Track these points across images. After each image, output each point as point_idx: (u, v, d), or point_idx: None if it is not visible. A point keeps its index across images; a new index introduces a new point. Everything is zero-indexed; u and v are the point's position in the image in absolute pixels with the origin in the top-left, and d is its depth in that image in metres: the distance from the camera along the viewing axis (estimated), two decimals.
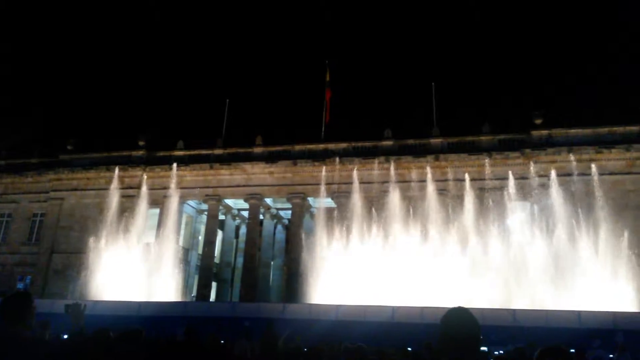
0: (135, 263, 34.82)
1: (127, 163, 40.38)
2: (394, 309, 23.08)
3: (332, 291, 30.64)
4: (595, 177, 31.36)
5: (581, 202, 30.94)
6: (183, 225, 40.83)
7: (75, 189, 40.89)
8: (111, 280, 33.53)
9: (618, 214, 30.58)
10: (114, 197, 39.49)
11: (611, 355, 14.07)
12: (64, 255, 38.75)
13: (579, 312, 23.47)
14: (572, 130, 33.25)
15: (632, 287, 26.60)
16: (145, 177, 39.97)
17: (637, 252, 28.70)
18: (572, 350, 11.12)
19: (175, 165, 39.42)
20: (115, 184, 39.81)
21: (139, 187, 39.72)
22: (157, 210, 39.28)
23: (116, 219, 38.53)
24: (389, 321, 21.22)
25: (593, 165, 31.72)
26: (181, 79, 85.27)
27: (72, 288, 35.17)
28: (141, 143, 41.33)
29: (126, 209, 39.05)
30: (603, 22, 70.46)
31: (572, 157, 32.21)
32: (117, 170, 39.88)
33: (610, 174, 31.48)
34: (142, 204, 39.54)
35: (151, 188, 39.76)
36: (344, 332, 17.27)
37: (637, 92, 62.17)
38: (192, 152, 40.59)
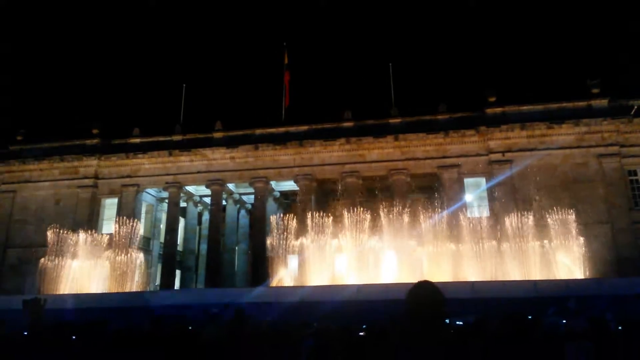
0: (95, 254, 34.05)
1: (82, 152, 39.10)
2: (359, 287, 23.50)
3: (297, 273, 30.91)
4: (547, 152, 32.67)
5: (534, 177, 32.17)
6: (143, 214, 40.05)
7: (28, 181, 39.39)
8: (70, 273, 32.74)
9: (569, 186, 32.00)
10: (69, 188, 38.37)
11: (564, 321, 14.82)
12: (20, 249, 37.44)
13: (534, 282, 24.56)
14: (525, 107, 34.30)
15: (581, 255, 27.94)
16: (100, 166, 38.94)
17: (587, 222, 30.16)
18: (529, 318, 11.64)
19: (132, 153, 38.60)
20: (69, 174, 38.65)
21: (95, 176, 38.69)
22: (116, 200, 38.40)
23: (73, 210, 37.46)
24: (354, 299, 21.59)
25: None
26: (135, 65, 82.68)
27: (30, 283, 34.14)
28: (95, 131, 40.08)
29: (83, 199, 38.02)
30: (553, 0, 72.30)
31: (524, 133, 33.31)
32: (71, 159, 38.70)
33: (561, 148, 32.75)
34: (99, 194, 38.60)
35: (108, 177, 38.87)
36: (311, 312, 17.50)
37: (586, 67, 64.52)
38: (150, 139, 39.68)
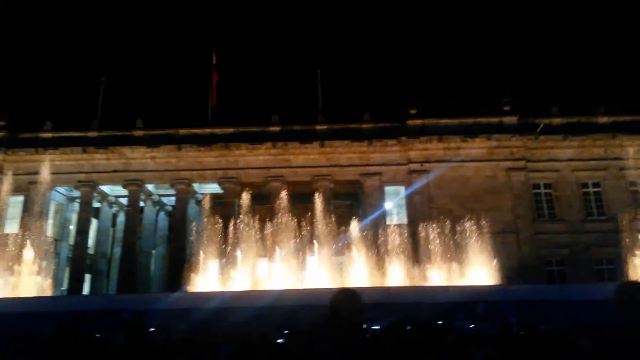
0: None
1: None
2: (280, 293, 23.41)
3: (217, 279, 30.28)
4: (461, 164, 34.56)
5: (448, 187, 33.87)
6: (51, 214, 37.51)
7: None
8: None
9: (480, 197, 34.00)
10: None
11: (472, 325, 15.61)
12: None
13: (447, 287, 25.75)
14: (443, 121, 36.06)
15: (490, 262, 29.66)
16: (6, 160, 36.11)
17: (496, 231, 32.13)
18: (440, 322, 12.15)
19: (41, 148, 36.12)
20: None
21: None
22: (21, 198, 35.72)
23: None
24: (276, 305, 21.47)
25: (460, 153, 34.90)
26: (49, 54, 77.46)
27: None
28: (1, 123, 37.12)
29: None
30: (476, 15, 76.76)
31: (441, 145, 35.01)
32: None
33: (474, 160, 34.77)
34: (3, 191, 35.70)
35: (14, 173, 36.04)
36: (230, 319, 17.18)
37: (504, 81, 68.89)
38: (63, 134, 37.32)
